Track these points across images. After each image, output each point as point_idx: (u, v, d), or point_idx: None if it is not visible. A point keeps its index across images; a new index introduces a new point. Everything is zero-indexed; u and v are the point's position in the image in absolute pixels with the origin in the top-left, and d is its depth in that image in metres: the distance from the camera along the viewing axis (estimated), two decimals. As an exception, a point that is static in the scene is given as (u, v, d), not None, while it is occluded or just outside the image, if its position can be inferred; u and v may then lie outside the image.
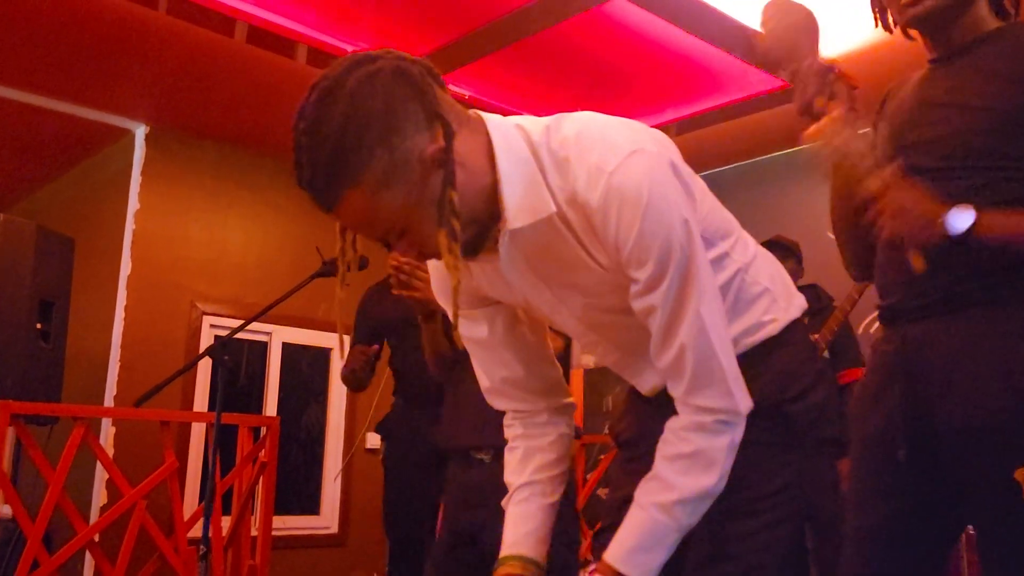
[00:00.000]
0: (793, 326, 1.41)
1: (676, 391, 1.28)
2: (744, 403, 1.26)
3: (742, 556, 1.31)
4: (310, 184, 1.13)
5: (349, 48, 3.93)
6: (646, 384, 1.46)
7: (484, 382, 1.54)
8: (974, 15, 1.57)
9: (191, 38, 3.97)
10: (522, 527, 1.49)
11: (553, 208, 1.22)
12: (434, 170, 1.15)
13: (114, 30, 3.97)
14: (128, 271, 5.02)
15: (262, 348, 5.52)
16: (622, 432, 1.58)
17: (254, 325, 5.28)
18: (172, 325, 5.14)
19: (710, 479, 1.24)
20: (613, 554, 1.26)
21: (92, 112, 4.97)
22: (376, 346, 3.34)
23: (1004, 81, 1.49)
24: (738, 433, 1.26)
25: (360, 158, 1.10)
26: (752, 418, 1.27)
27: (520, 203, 1.22)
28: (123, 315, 4.97)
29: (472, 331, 1.49)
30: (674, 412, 1.31)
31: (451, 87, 4.26)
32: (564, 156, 1.21)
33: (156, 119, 5.12)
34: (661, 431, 1.31)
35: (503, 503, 1.54)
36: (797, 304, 1.43)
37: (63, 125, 5.06)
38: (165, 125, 5.18)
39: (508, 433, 1.57)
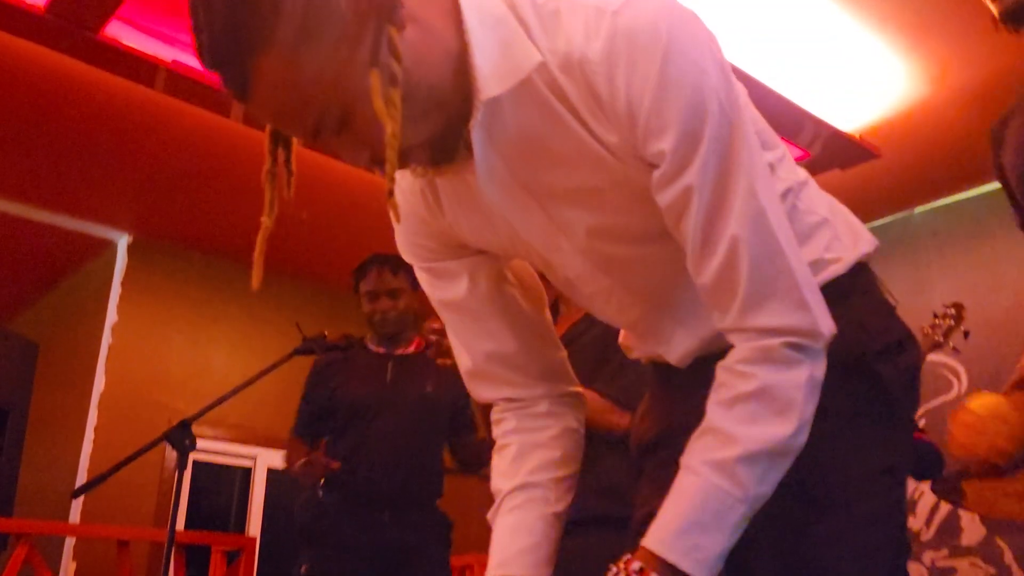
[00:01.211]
0: (862, 268, 1.08)
1: (728, 315, 0.93)
2: (825, 322, 0.92)
3: (827, 566, 0.95)
4: (212, 55, 0.84)
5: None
6: (677, 349, 1.10)
7: (465, 362, 1.18)
8: None
9: (184, 124, 3.78)
10: (515, 542, 1.09)
11: (538, 58, 0.90)
12: (371, 18, 0.84)
13: (101, 127, 3.83)
14: (101, 388, 4.66)
15: (246, 475, 5.06)
16: (645, 433, 1.19)
17: (238, 449, 4.95)
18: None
19: (785, 427, 0.89)
20: (656, 538, 0.88)
21: (73, 222, 4.78)
22: (336, 464, 2.85)
23: None
24: (819, 367, 0.92)
25: (266, 7, 0.81)
26: (832, 376, 0.93)
27: (496, 67, 0.90)
28: (92, 436, 4.57)
29: (447, 290, 1.14)
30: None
31: None
32: (552, 8, 0.91)
33: (140, 228, 4.92)
34: (700, 419, 0.95)
35: (488, 516, 1.15)
36: (866, 240, 1.09)
37: (42, 237, 4.85)
38: (149, 234, 4.97)
39: (498, 430, 1.19)
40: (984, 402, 1.52)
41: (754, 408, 0.89)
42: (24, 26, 3.03)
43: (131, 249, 4.94)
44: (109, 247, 5.02)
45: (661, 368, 1.17)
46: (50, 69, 3.40)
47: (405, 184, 1.09)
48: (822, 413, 0.92)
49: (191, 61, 3.35)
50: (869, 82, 3.50)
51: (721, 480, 0.88)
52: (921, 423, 4.26)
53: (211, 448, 4.80)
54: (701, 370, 1.00)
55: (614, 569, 0.87)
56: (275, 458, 5.07)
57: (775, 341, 0.90)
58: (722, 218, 0.90)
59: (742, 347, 0.92)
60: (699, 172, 0.89)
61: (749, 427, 0.89)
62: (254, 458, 5.03)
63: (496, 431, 1.18)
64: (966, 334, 2.97)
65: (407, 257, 1.16)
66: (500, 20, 0.91)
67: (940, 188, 4.36)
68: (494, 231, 1.05)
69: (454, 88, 0.89)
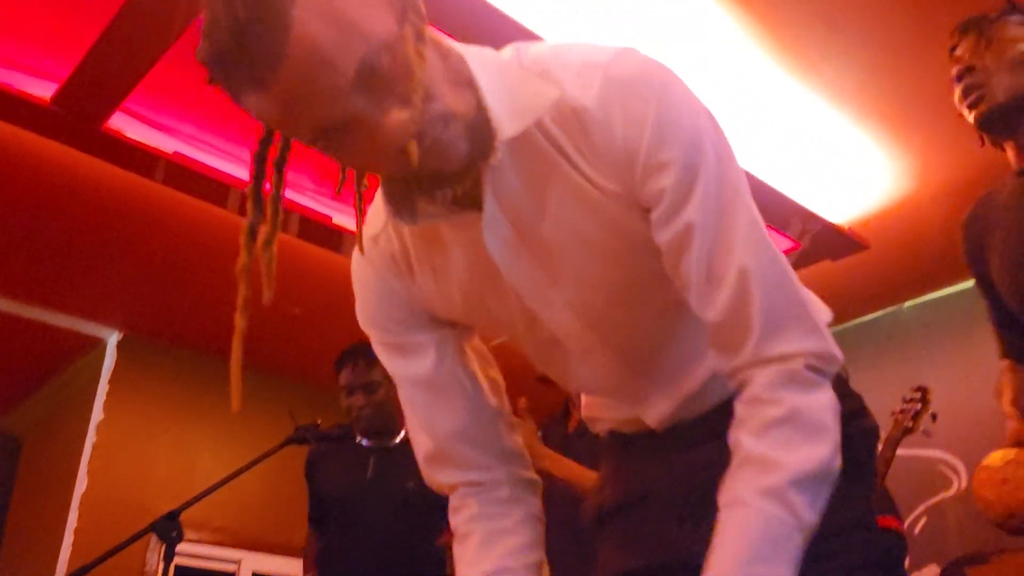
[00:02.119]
0: None
1: (744, 349, 0.91)
2: (836, 348, 0.93)
3: None
4: (243, 19, 0.76)
5: (336, 216, 3.76)
6: (656, 409, 1.08)
7: (424, 445, 1.14)
8: None
9: (181, 216, 3.80)
10: None
11: (554, 94, 0.91)
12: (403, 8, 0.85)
13: (97, 220, 3.83)
14: (83, 488, 4.53)
15: (229, 581, 4.87)
16: (605, 500, 1.16)
17: (222, 553, 4.78)
18: (128, 550, 4.52)
19: (823, 449, 0.87)
20: (722, 573, 0.83)
21: (64, 319, 4.74)
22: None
23: None
24: (833, 394, 0.92)
25: None
26: None
27: (509, 108, 0.90)
28: (72, 538, 4.40)
29: (411, 365, 1.11)
30: (695, 451, 1.01)
31: None
32: (542, 68, 0.93)
33: (130, 325, 4.87)
34: (678, 485, 0.96)
35: None
36: (825, 312, 1.08)
37: (32, 334, 4.80)
38: (139, 331, 4.93)
39: (457, 518, 1.14)
40: (999, 454, 1.50)
41: (789, 433, 0.87)
42: (27, 117, 3.08)
43: (120, 346, 4.89)
44: (98, 345, 4.97)
45: (621, 438, 1.16)
46: (47, 161, 3.43)
47: (374, 253, 1.07)
48: None
49: (192, 152, 3.40)
50: (857, 176, 3.58)
51: (774, 508, 0.84)
52: (922, 520, 4.19)
53: (194, 552, 4.64)
54: (675, 434, 1.01)
55: None
56: (261, 562, 4.91)
57: (796, 363, 0.89)
58: (728, 250, 0.90)
59: (762, 376, 0.90)
60: (700, 206, 0.90)
61: (788, 452, 0.86)
62: (238, 562, 4.86)
63: (456, 519, 1.14)
64: (934, 417, 2.97)
65: (370, 330, 1.12)
66: (503, 68, 0.93)
67: (929, 282, 4.41)
68: (472, 292, 1.03)
69: (471, 124, 0.88)
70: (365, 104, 0.81)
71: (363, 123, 0.82)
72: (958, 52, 1.57)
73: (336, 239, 3.86)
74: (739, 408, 0.92)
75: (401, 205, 0.95)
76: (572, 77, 0.91)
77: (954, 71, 1.57)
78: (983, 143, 1.60)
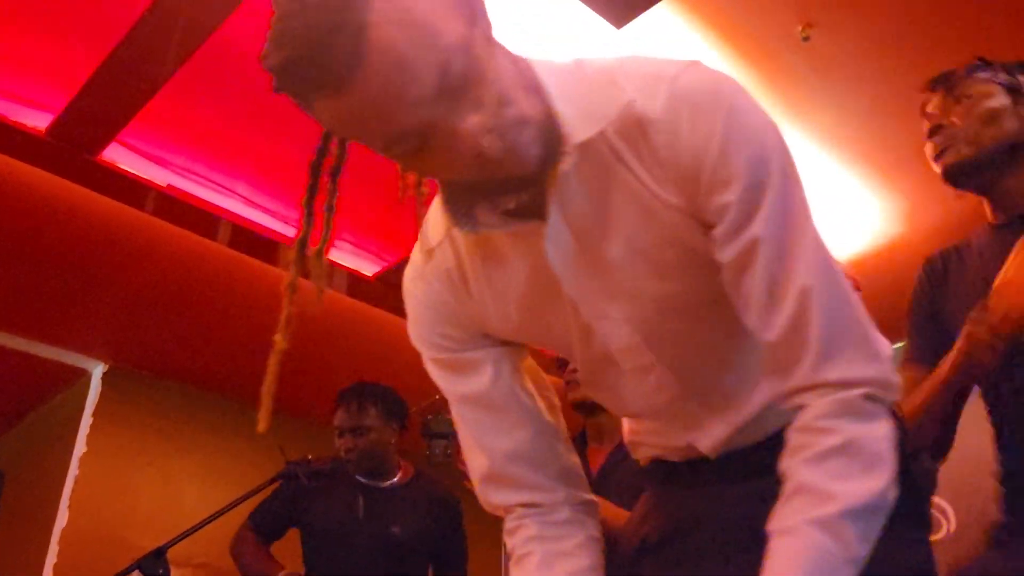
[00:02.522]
0: None
1: (799, 371, 0.88)
2: (896, 376, 0.89)
3: None
4: (321, 36, 0.76)
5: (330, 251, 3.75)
6: (710, 435, 1.04)
7: (480, 465, 1.10)
8: None
9: (171, 248, 3.78)
10: None
11: (625, 97, 0.90)
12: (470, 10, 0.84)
13: (87, 250, 3.80)
14: (64, 523, 4.43)
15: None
16: (649, 533, 1.12)
17: None
18: (108, 587, 4.45)
19: (878, 481, 0.84)
20: None
21: (49, 349, 4.68)
22: None
23: None
24: (892, 424, 0.88)
25: None
26: None
27: (580, 113, 0.90)
28: (51, 574, 4.31)
29: (467, 382, 1.08)
30: (747, 483, 0.97)
31: None
32: (607, 78, 0.92)
33: (116, 356, 4.82)
34: (728, 518, 0.93)
35: None
36: (884, 342, 1.07)
37: (16, 365, 4.74)
38: (125, 363, 4.86)
39: (514, 539, 1.09)
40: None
41: (845, 464, 0.84)
42: (21, 147, 3.07)
43: (106, 378, 4.83)
44: (83, 376, 4.91)
45: (666, 466, 1.12)
46: (37, 190, 3.41)
47: (428, 268, 1.06)
48: None
49: (185, 185, 3.40)
50: (847, 218, 3.62)
51: (826, 539, 0.81)
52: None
53: (176, 589, 4.55)
54: (727, 463, 0.98)
55: None
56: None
57: (854, 393, 0.86)
58: (791, 269, 0.88)
59: (818, 403, 0.87)
60: (765, 223, 0.88)
61: (844, 483, 0.83)
62: (220, 601, 4.77)
63: (512, 541, 1.09)
64: None
65: (421, 347, 1.09)
66: (569, 75, 0.93)
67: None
68: (528, 306, 1.01)
69: (542, 129, 0.87)
70: (441, 109, 0.80)
71: (439, 128, 0.81)
72: (929, 109, 1.59)
73: (331, 276, 3.86)
74: (793, 436, 0.89)
75: (462, 213, 0.94)
76: (638, 87, 0.90)
77: (925, 128, 1.58)
78: (960, 194, 1.60)
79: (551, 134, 0.88)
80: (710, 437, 1.04)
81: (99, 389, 4.78)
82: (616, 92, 0.91)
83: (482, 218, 0.94)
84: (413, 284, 1.08)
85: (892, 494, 0.85)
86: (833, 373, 0.87)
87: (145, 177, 3.27)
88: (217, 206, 3.58)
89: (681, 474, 1.10)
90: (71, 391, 4.97)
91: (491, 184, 0.91)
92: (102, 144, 3.05)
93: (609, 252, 0.95)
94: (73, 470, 4.56)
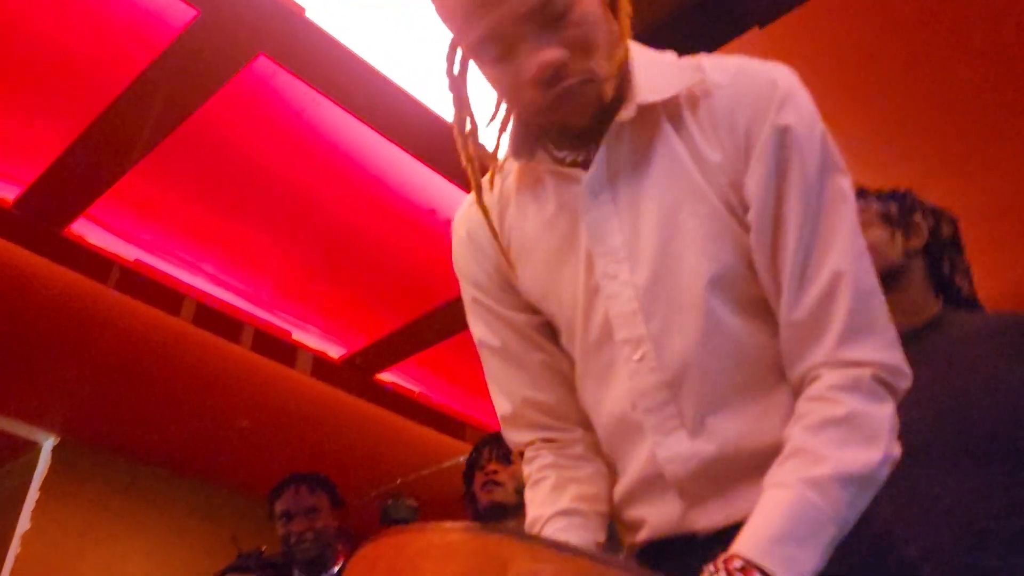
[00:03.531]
0: None
1: (820, 348, 0.93)
2: (908, 367, 0.94)
3: None
4: None
5: (296, 332, 3.72)
6: (684, 458, 0.99)
7: (503, 407, 1.16)
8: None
9: (131, 323, 3.72)
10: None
11: (696, 76, 1.00)
12: None
13: (45, 321, 3.73)
14: (1, 604, 4.24)
15: None
16: None
17: None
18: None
19: (873, 454, 0.89)
20: (750, 544, 0.83)
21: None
22: None
23: None
24: (895, 410, 0.93)
25: None
26: None
27: (651, 81, 0.99)
28: (-18, 662, 4.11)
29: (492, 333, 1.15)
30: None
31: (399, 381, 4.18)
32: (694, 63, 1.03)
33: (68, 429, 4.69)
34: None
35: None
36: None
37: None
38: (77, 436, 4.74)
39: (531, 466, 1.14)
40: None
41: (844, 433, 0.88)
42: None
43: (55, 451, 4.69)
44: (32, 449, 4.77)
45: (656, 551, 1.06)
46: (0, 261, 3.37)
47: (473, 210, 1.13)
48: None
49: (152, 261, 3.36)
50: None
51: (816, 496, 0.85)
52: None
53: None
54: (723, 543, 0.90)
55: (711, 568, 0.81)
56: None
57: (865, 372, 0.91)
58: (826, 251, 0.93)
59: (829, 375, 0.92)
60: (806, 204, 0.93)
61: (840, 449, 0.87)
62: None
63: (529, 468, 1.14)
64: None
65: (462, 281, 1.16)
66: (663, 55, 1.04)
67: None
68: (552, 256, 1.06)
69: (610, 89, 0.96)
70: (533, 27, 0.90)
71: (522, 46, 0.91)
72: None
73: (291, 355, 3.81)
74: (800, 404, 0.92)
75: (522, 145, 1.04)
76: (714, 66, 1.00)
77: None
78: None
79: (618, 93, 0.97)
80: (685, 458, 0.99)
81: (48, 463, 4.64)
82: (695, 72, 1.00)
83: (538, 155, 1.04)
84: (461, 214, 1.16)
85: (884, 472, 0.88)
86: (852, 353, 0.91)
87: (112, 252, 3.23)
88: (182, 282, 3.54)
89: (672, 554, 1.04)
90: (17, 464, 4.81)
91: (552, 128, 1.01)
92: (69, 218, 3.02)
93: (639, 210, 1.00)
94: (15, 548, 4.39)
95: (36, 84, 2.59)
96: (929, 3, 2.24)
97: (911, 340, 1.39)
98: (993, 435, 1.35)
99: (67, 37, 2.44)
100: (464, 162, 1.04)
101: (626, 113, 0.97)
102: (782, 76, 0.98)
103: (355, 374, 3.99)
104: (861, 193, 1.62)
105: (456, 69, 1.04)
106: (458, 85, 1.04)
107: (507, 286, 1.14)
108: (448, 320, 3.57)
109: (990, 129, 2.68)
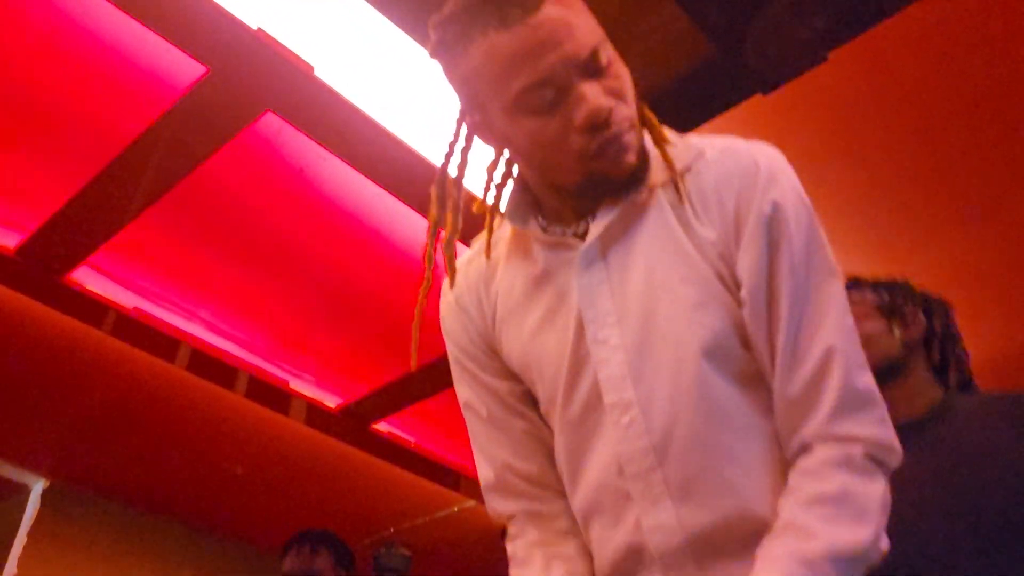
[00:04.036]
0: None
1: (811, 422, 0.94)
2: (899, 445, 0.96)
3: None
4: None
5: (291, 380, 3.71)
6: (663, 530, 0.98)
7: (486, 474, 1.16)
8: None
9: (126, 368, 3.70)
10: None
11: (700, 151, 1.05)
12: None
13: (39, 364, 3.71)
14: (-16, 653, 4.16)
15: None
16: None
17: None
18: None
19: (864, 532, 0.89)
20: None
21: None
22: None
23: None
24: (887, 487, 0.95)
25: None
26: None
27: (661, 157, 1.05)
28: None
29: (475, 397, 1.17)
30: None
31: (394, 431, 4.15)
32: (696, 142, 1.08)
33: (59, 473, 4.64)
34: None
35: None
36: None
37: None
38: (67, 480, 4.68)
39: (516, 544, 1.12)
40: None
41: (835, 510, 0.89)
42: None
43: (45, 496, 4.63)
44: (22, 492, 4.71)
45: None
46: (-1, 307, 3.36)
47: (461, 276, 1.16)
48: None
49: (149, 308, 3.35)
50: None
51: (805, 573, 0.85)
52: None
53: None
54: None
55: None
56: None
57: (857, 450, 0.92)
58: (817, 328, 0.95)
59: (821, 450, 0.93)
60: (795, 282, 0.96)
61: (832, 527, 0.88)
62: None
63: (514, 545, 1.13)
64: None
65: (448, 342, 1.19)
66: (669, 133, 1.07)
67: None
68: (539, 325, 1.07)
69: (639, 148, 1.01)
70: (585, 75, 0.94)
71: (574, 92, 0.93)
72: None
73: (285, 402, 3.79)
74: (792, 477, 0.94)
75: (518, 209, 1.07)
76: (710, 144, 1.05)
77: None
78: None
79: (642, 162, 1.02)
80: (670, 529, 0.98)
81: (37, 507, 4.58)
82: (695, 153, 1.04)
83: (530, 223, 1.07)
84: (445, 289, 1.19)
85: (876, 553, 0.89)
86: (844, 428, 0.93)
87: (110, 298, 3.23)
88: (179, 329, 3.54)
89: None
90: (6, 507, 4.75)
91: (573, 187, 1.02)
92: (70, 266, 3.02)
93: (629, 276, 1.02)
94: (1, 594, 4.32)
95: (44, 134, 2.62)
96: (932, 70, 2.28)
97: (915, 430, 1.39)
98: (1007, 518, 1.34)
99: (77, 89, 2.47)
100: (449, 232, 1.07)
101: (642, 196, 1.01)
102: (764, 157, 1.01)
103: (351, 423, 3.97)
104: (856, 283, 1.63)
105: (462, 143, 1.06)
106: (462, 153, 1.06)
107: (491, 352, 1.15)
108: (444, 372, 3.50)
109: (992, 191, 2.70)
